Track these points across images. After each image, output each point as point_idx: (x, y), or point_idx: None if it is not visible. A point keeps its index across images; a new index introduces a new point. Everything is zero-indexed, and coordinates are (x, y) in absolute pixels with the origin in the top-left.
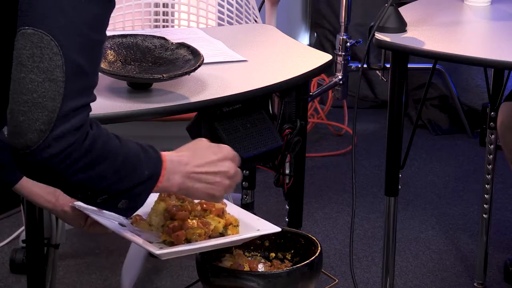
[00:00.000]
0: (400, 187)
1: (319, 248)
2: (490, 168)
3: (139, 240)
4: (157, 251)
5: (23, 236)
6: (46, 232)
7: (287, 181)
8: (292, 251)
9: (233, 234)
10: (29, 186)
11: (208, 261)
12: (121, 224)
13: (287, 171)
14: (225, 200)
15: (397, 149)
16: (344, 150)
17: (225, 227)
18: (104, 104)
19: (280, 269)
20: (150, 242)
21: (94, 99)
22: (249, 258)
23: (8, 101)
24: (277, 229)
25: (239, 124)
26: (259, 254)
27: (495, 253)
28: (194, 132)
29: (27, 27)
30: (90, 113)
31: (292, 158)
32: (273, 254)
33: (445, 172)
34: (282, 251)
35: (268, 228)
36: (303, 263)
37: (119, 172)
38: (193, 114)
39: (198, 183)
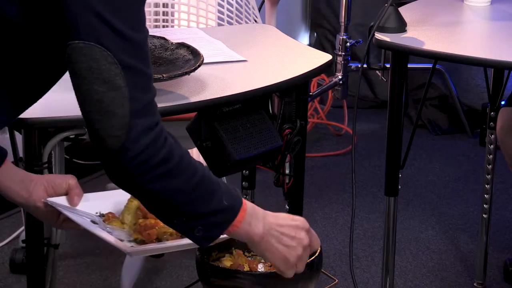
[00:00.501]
0: (400, 187)
1: (319, 248)
2: (490, 168)
3: (110, 238)
4: (127, 249)
5: (23, 236)
6: (46, 232)
7: (287, 181)
8: None
9: None
10: (2, 179)
11: (208, 261)
12: (94, 222)
13: (287, 171)
14: None
15: (397, 149)
16: (344, 150)
17: None
18: None
19: None
20: (121, 240)
21: (155, 94)
22: (249, 258)
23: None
24: None
25: (239, 124)
26: None
27: (495, 253)
28: (194, 132)
29: (76, 41)
30: None
31: (292, 158)
32: None
33: (445, 172)
34: None
35: None
36: None
37: (196, 191)
38: (193, 114)
39: (277, 242)
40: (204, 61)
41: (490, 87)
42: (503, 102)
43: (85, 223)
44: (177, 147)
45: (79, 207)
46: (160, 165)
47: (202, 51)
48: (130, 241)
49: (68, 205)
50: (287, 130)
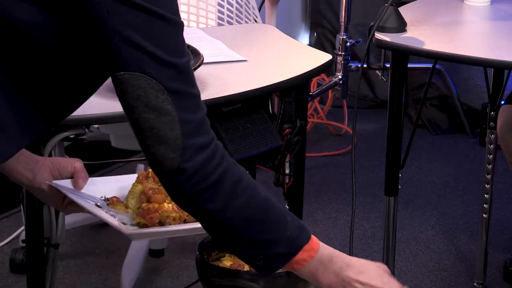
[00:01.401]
0: (400, 187)
1: None
2: (490, 168)
3: (113, 220)
4: (129, 232)
5: (23, 236)
6: (46, 232)
7: (287, 181)
8: None
9: None
10: (9, 161)
11: (208, 261)
12: (98, 205)
13: (287, 171)
14: None
15: (397, 149)
16: (344, 150)
17: None
18: (104, 104)
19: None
20: (124, 224)
21: (205, 110)
22: None
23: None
24: None
25: (239, 124)
26: None
27: (494, 253)
28: None
29: (122, 72)
30: (95, 113)
31: (292, 158)
32: None
33: (445, 172)
34: None
35: None
36: None
37: (255, 216)
38: None
39: None
40: (204, 61)
41: (490, 87)
42: (503, 102)
43: (89, 206)
44: (236, 168)
45: (84, 191)
46: (217, 185)
47: (202, 51)
48: (133, 225)
49: (73, 188)
50: (287, 130)
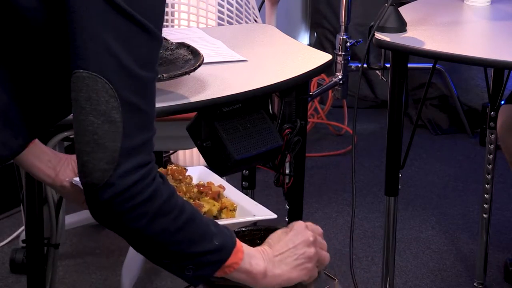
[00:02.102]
0: (400, 187)
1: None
2: (490, 168)
3: None
4: None
5: (23, 236)
6: (46, 231)
7: (287, 181)
8: None
9: (227, 218)
10: (30, 158)
11: None
12: None
13: (287, 171)
14: (224, 183)
15: (397, 149)
16: (344, 150)
17: (220, 210)
18: None
19: None
20: None
21: (154, 133)
22: None
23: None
24: (272, 215)
25: (239, 124)
26: None
27: (495, 253)
28: (194, 132)
29: (81, 70)
30: None
31: (292, 158)
32: None
33: (445, 172)
34: None
35: (264, 213)
36: None
37: (183, 232)
38: (193, 114)
39: (284, 265)
40: (204, 61)
41: (490, 87)
42: (503, 102)
43: None
44: (165, 187)
45: None
46: (145, 204)
47: (202, 51)
48: None
49: None
50: (287, 130)
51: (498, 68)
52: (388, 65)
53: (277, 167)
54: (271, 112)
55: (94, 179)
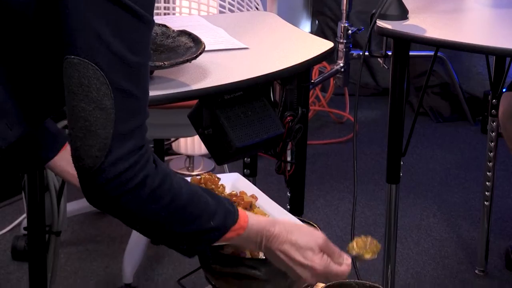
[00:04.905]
0: (401, 174)
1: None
2: (492, 156)
3: None
4: None
5: (24, 224)
6: (48, 219)
7: (288, 168)
8: None
9: None
10: (62, 164)
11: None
12: None
13: (289, 159)
14: (257, 193)
15: (399, 136)
16: (345, 138)
17: None
18: None
19: None
20: None
21: (147, 117)
22: None
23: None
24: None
25: (240, 111)
26: None
27: (496, 240)
28: (196, 120)
29: (72, 56)
30: None
31: (293, 146)
32: None
33: (446, 160)
34: None
35: None
36: None
37: (176, 214)
38: (194, 102)
39: (279, 257)
40: (206, 49)
41: (492, 75)
42: (504, 90)
43: None
44: (160, 172)
45: None
46: (136, 189)
47: (203, 38)
48: None
49: None
50: (288, 118)
51: (500, 56)
52: (389, 53)
53: (278, 155)
54: (272, 99)
55: (86, 164)
